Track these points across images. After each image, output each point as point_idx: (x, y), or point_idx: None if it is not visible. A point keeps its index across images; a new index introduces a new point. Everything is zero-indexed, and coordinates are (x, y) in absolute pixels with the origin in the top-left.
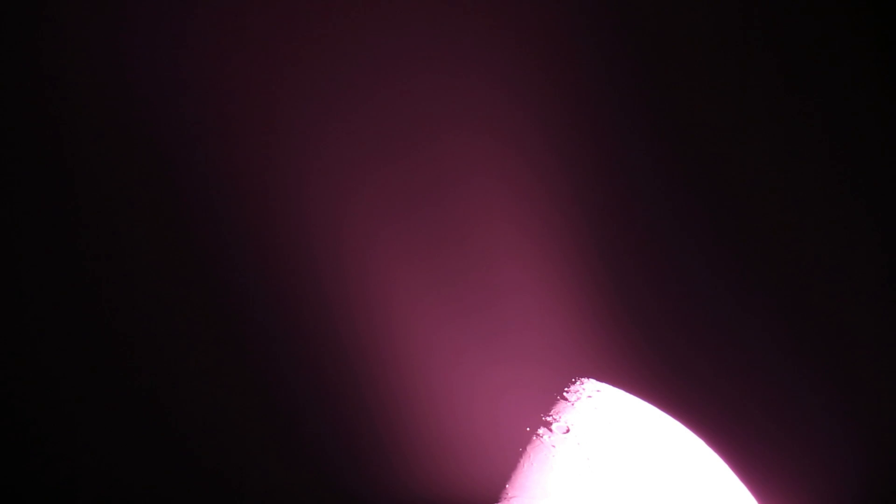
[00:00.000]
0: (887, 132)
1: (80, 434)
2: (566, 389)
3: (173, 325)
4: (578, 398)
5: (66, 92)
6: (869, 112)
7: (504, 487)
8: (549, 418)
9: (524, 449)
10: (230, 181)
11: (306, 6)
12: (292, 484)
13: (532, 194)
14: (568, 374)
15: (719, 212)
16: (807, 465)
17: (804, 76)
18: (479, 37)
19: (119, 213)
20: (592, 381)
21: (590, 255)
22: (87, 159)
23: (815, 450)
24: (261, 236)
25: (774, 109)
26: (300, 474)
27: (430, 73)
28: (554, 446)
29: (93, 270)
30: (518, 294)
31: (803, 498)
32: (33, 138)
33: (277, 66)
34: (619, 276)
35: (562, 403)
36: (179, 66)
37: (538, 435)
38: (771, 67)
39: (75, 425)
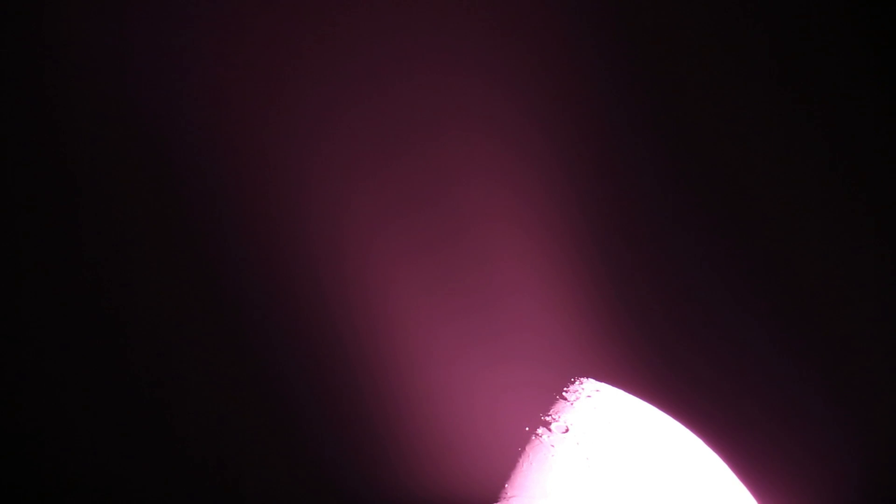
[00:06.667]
0: (888, 132)
1: (80, 434)
2: (565, 389)
3: (173, 325)
4: (578, 398)
5: (67, 92)
6: (870, 112)
7: (504, 487)
8: (548, 418)
9: (523, 449)
10: (230, 182)
11: (305, 8)
12: (292, 484)
13: (532, 194)
14: (567, 374)
15: (719, 211)
16: (807, 465)
17: (805, 75)
18: (478, 36)
19: (120, 214)
20: (592, 380)
21: (590, 255)
22: (87, 162)
23: (815, 450)
24: (260, 236)
25: (775, 109)
26: (300, 474)
27: (430, 72)
28: (553, 446)
29: (94, 272)
30: (518, 294)
31: (803, 498)
32: (34, 139)
33: (277, 66)
34: (618, 276)
35: (561, 403)
36: (179, 69)
37: (537, 435)
38: (772, 67)
39: (75, 425)
